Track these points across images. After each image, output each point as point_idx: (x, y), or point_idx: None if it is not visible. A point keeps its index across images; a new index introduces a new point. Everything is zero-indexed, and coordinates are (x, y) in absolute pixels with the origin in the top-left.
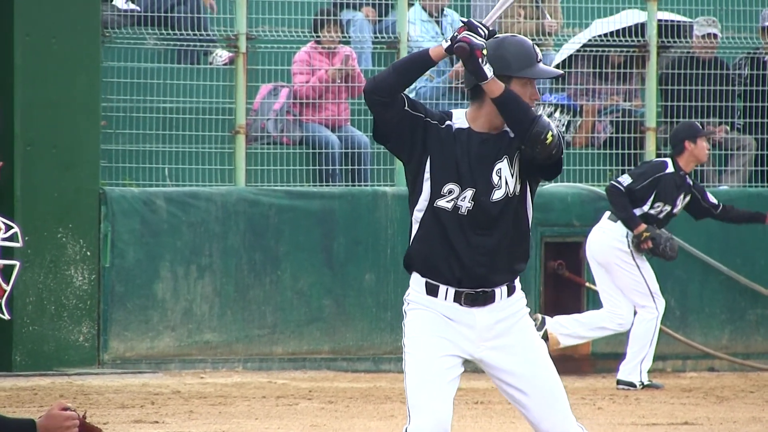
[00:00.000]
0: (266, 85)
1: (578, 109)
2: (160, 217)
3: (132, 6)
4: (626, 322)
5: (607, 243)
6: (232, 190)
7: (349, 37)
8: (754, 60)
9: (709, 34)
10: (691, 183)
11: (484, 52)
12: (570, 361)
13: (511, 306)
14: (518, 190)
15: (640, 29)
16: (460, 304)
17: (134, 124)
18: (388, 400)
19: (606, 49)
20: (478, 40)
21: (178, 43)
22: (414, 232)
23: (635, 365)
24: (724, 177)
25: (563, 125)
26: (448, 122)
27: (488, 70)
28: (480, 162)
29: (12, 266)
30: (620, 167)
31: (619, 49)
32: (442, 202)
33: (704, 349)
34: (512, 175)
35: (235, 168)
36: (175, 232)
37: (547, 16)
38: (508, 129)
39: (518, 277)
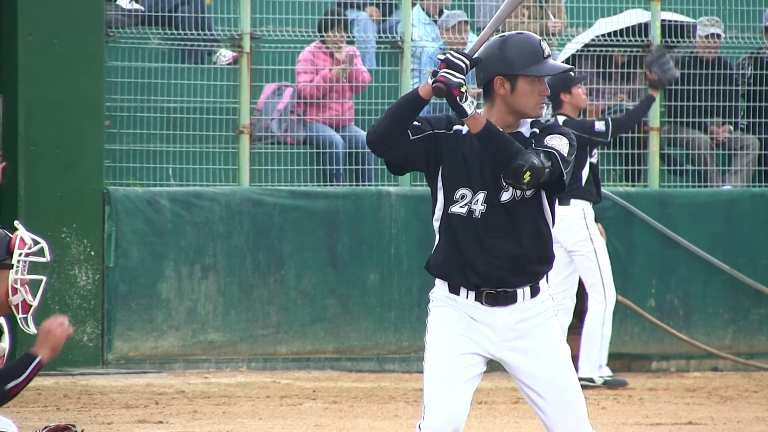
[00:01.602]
0: (270, 84)
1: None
2: (164, 217)
3: (136, 5)
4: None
5: (570, 228)
6: (236, 189)
7: (353, 36)
8: (757, 60)
9: (712, 34)
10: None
11: (463, 89)
12: (573, 362)
13: (534, 307)
14: (528, 193)
15: (643, 29)
16: (482, 304)
17: (138, 124)
18: (392, 400)
19: (610, 49)
20: (456, 78)
21: (182, 42)
22: (435, 242)
23: (590, 361)
24: (728, 177)
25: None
26: (456, 126)
27: (468, 106)
28: (489, 164)
29: (38, 281)
30: (624, 167)
31: (622, 49)
32: (455, 208)
33: (708, 349)
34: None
35: (238, 168)
36: (179, 231)
37: (551, 16)
38: (521, 129)
39: (544, 279)
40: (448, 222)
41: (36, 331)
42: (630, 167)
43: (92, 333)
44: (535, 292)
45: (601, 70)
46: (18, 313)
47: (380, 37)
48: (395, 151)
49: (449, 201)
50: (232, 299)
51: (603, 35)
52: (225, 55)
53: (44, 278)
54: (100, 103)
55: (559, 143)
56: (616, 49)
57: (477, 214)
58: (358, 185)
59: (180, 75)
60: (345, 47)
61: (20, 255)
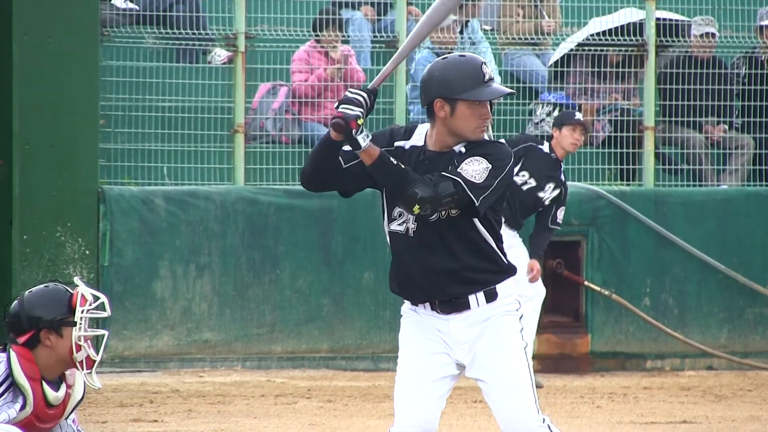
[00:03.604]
0: (265, 84)
1: (577, 108)
2: (158, 216)
3: (130, 5)
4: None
5: None
6: (230, 189)
7: (348, 36)
8: (751, 59)
9: (706, 34)
10: (564, 180)
11: (360, 122)
12: (568, 360)
13: (489, 311)
14: (453, 212)
15: (638, 28)
16: (438, 312)
17: (133, 123)
18: (386, 399)
19: (604, 48)
20: (353, 111)
21: (177, 41)
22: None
23: None
24: (723, 176)
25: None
26: (399, 142)
27: (362, 139)
28: None
29: (101, 335)
30: (619, 166)
31: (617, 48)
32: (394, 226)
33: (702, 348)
34: None
35: (233, 167)
36: (174, 231)
37: (545, 15)
38: (455, 147)
39: (504, 284)
40: (392, 239)
41: (100, 386)
42: (625, 166)
43: None
44: (491, 297)
45: (595, 69)
46: (83, 369)
47: (375, 37)
48: (328, 185)
49: (390, 218)
50: (226, 298)
51: (597, 34)
52: (220, 54)
53: (106, 333)
54: (95, 102)
55: (475, 168)
56: (610, 48)
57: (410, 232)
58: None
59: (175, 74)
60: (340, 47)
61: (82, 312)
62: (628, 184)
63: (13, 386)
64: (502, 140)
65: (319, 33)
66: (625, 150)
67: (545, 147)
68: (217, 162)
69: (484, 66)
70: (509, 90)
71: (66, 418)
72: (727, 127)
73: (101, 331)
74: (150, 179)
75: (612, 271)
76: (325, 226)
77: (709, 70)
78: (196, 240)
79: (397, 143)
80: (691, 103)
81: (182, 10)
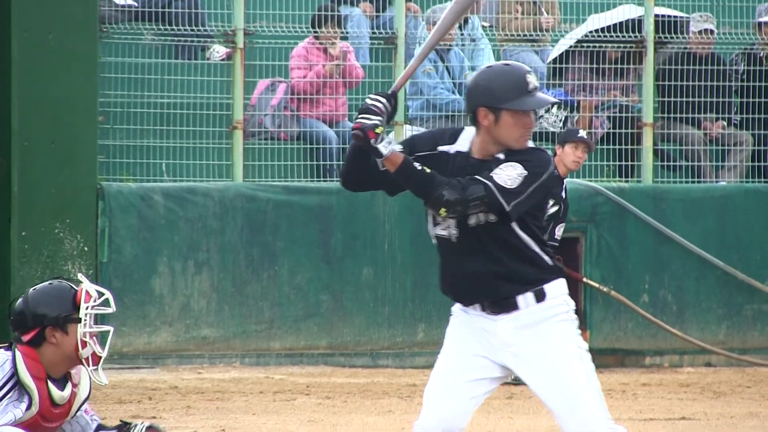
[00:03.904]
0: (263, 80)
1: (575, 105)
2: (157, 213)
3: (129, 1)
4: None
5: None
6: (229, 185)
7: (347, 32)
8: (750, 55)
9: (705, 30)
10: (565, 198)
11: (378, 130)
12: None
13: (540, 312)
14: (492, 218)
15: (636, 24)
16: (487, 313)
17: (131, 120)
18: (385, 396)
19: (603, 44)
20: (371, 120)
21: (176, 38)
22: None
23: None
24: (721, 173)
25: (560, 121)
26: (443, 147)
27: (384, 146)
28: None
29: (106, 332)
30: (617, 162)
31: (616, 45)
32: (439, 230)
33: (701, 345)
34: None
35: (232, 163)
36: (173, 227)
37: (544, 12)
38: (500, 155)
39: (552, 284)
40: (438, 242)
41: (106, 382)
42: (623, 163)
43: None
44: (540, 297)
45: (594, 65)
46: (88, 366)
47: (374, 33)
48: (368, 186)
49: (434, 222)
50: (225, 295)
51: (596, 31)
52: (218, 50)
53: (111, 329)
54: (94, 98)
55: (508, 174)
56: (609, 44)
57: (453, 238)
58: None
59: (173, 71)
60: (339, 43)
61: (87, 308)
62: (627, 181)
63: (18, 385)
64: (543, 148)
65: (317, 29)
66: (623, 146)
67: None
68: (215, 158)
69: (528, 75)
70: (554, 100)
71: (71, 418)
72: (725, 123)
73: (106, 327)
74: (149, 176)
75: (611, 268)
76: (324, 223)
77: (707, 66)
78: (194, 236)
79: (440, 147)
80: (690, 99)
81: (181, 6)
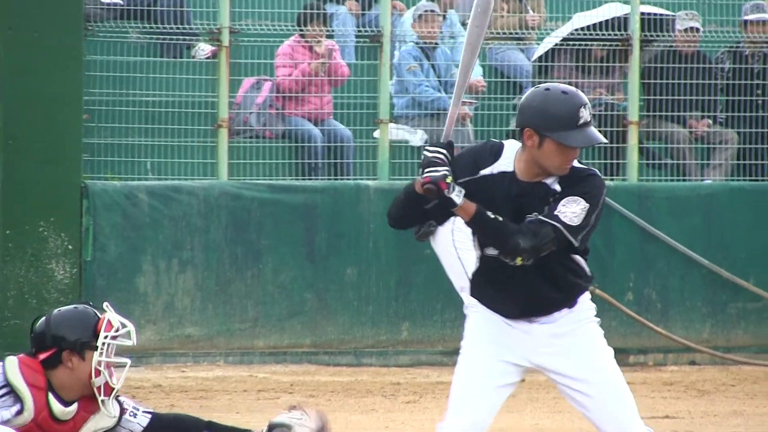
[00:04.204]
0: (249, 78)
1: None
2: (141, 211)
3: None
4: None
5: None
6: (214, 183)
7: (332, 30)
8: (735, 54)
9: (690, 28)
10: None
11: (448, 180)
12: None
13: (571, 316)
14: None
15: (622, 23)
16: (516, 320)
17: (117, 118)
18: (369, 394)
19: (588, 42)
20: (439, 172)
21: (161, 36)
22: (476, 263)
23: None
24: (707, 171)
25: None
26: (485, 170)
27: (456, 196)
28: (516, 214)
29: (122, 364)
30: (603, 161)
31: (601, 43)
32: (490, 250)
33: (685, 343)
34: None
35: (217, 162)
36: (157, 225)
37: (530, 10)
38: (546, 181)
39: (582, 295)
40: (485, 259)
41: (116, 414)
42: (609, 161)
43: None
44: (573, 305)
45: (579, 64)
46: (99, 395)
47: (359, 31)
48: (415, 224)
49: (483, 243)
50: (209, 293)
51: (582, 29)
52: (204, 49)
53: (128, 362)
54: (79, 96)
55: (573, 210)
56: (594, 42)
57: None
58: (336, 179)
59: (159, 69)
60: (324, 41)
61: (106, 337)
62: (612, 179)
63: (13, 393)
64: (594, 169)
65: (303, 28)
66: (609, 145)
67: None
68: (200, 157)
69: (582, 109)
70: (602, 139)
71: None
72: (711, 121)
73: (123, 360)
74: (133, 174)
75: (595, 266)
76: (308, 222)
77: (693, 65)
78: (179, 235)
79: (483, 171)
80: (676, 97)
81: (166, 4)
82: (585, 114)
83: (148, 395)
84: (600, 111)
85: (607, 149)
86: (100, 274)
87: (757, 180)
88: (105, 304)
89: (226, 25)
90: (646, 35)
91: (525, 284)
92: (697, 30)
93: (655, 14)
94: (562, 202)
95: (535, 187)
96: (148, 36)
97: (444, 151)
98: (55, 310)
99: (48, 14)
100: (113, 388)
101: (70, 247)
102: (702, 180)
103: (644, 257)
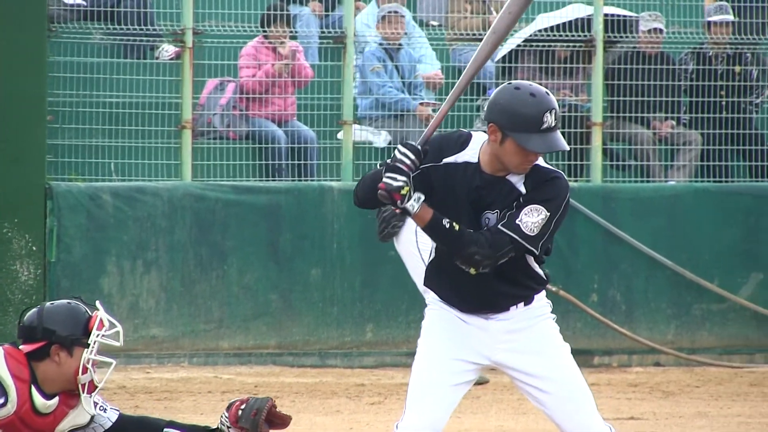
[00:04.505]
0: (212, 80)
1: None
2: (106, 212)
3: (78, 0)
4: None
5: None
6: (178, 184)
7: (296, 32)
8: (699, 55)
9: (654, 29)
10: None
11: (404, 191)
12: None
13: (527, 312)
14: None
15: (586, 24)
16: (473, 314)
17: (80, 119)
18: (334, 395)
19: (552, 43)
20: (396, 182)
21: (125, 37)
22: (431, 255)
23: None
24: (671, 172)
25: None
26: (449, 158)
27: (411, 206)
28: (474, 205)
29: (108, 363)
30: (567, 162)
31: (565, 44)
32: None
33: (650, 344)
34: None
35: (181, 163)
36: (122, 226)
37: (493, 11)
38: (511, 178)
39: (539, 292)
40: (439, 251)
41: (94, 412)
42: (572, 162)
43: None
44: (529, 301)
45: (543, 65)
46: (83, 392)
47: (323, 32)
48: (379, 206)
49: None
50: (174, 294)
51: (545, 30)
52: (167, 50)
53: (114, 362)
54: (43, 98)
55: (533, 221)
56: (558, 43)
57: None
58: (300, 180)
59: (122, 70)
60: (288, 42)
61: (97, 336)
62: (576, 180)
63: None
64: (559, 172)
65: (267, 29)
66: (572, 146)
67: None
68: (164, 158)
69: (547, 114)
70: (564, 146)
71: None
72: (674, 122)
73: (110, 360)
74: (97, 175)
75: (560, 267)
76: (272, 223)
77: (656, 66)
78: (143, 236)
79: (447, 159)
80: (639, 98)
81: (130, 5)
82: (549, 119)
83: (113, 396)
84: (564, 112)
85: (571, 150)
86: (65, 275)
87: (720, 181)
88: (97, 302)
89: (190, 26)
90: (609, 36)
91: (479, 278)
92: (661, 31)
93: (618, 15)
94: (524, 210)
95: (498, 182)
96: (111, 37)
97: (413, 157)
98: (47, 304)
99: (11, 15)
100: (96, 386)
101: (34, 248)
102: (666, 181)
103: (608, 258)
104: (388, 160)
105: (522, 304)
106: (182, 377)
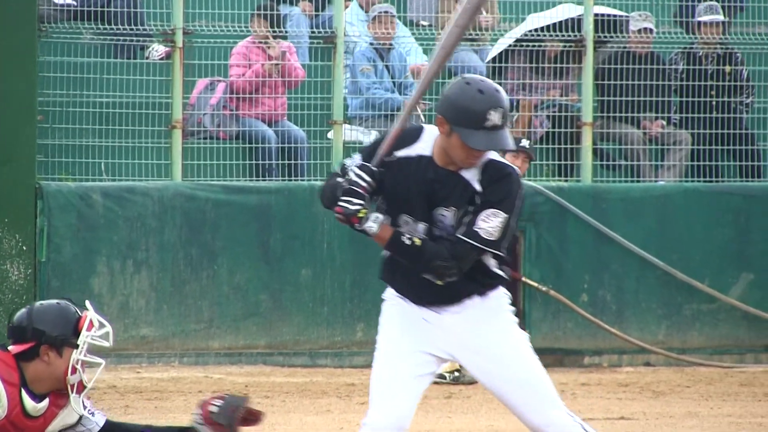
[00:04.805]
0: (203, 79)
1: (515, 104)
2: (96, 212)
3: (68, 0)
4: None
5: None
6: (168, 184)
7: (287, 32)
8: (689, 55)
9: (644, 29)
10: None
11: (360, 214)
12: None
13: (484, 305)
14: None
15: (576, 24)
16: (430, 307)
17: (71, 119)
18: (324, 395)
19: (542, 43)
20: (352, 206)
21: (115, 37)
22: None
23: None
24: (661, 172)
25: None
26: (402, 151)
27: (369, 227)
28: (428, 200)
29: (97, 364)
30: (557, 162)
31: (555, 44)
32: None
33: (640, 344)
34: (452, 226)
35: (171, 163)
36: (112, 226)
37: (483, 11)
38: (464, 174)
39: (493, 284)
40: None
41: (83, 412)
42: (563, 162)
43: None
44: (483, 294)
45: (533, 65)
46: (72, 392)
47: (313, 32)
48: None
49: (395, 224)
50: (164, 294)
51: (535, 30)
52: (157, 50)
53: (103, 362)
54: (33, 97)
55: (492, 225)
56: (548, 43)
57: (416, 243)
58: (290, 180)
59: (112, 70)
60: (276, 43)
61: (87, 336)
62: (566, 180)
63: None
64: (511, 166)
65: (257, 29)
66: (563, 146)
67: None
68: (154, 158)
69: (492, 112)
70: (509, 145)
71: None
72: (665, 122)
73: (99, 360)
74: (88, 175)
75: (550, 267)
76: (263, 223)
77: (646, 65)
78: (133, 236)
79: (400, 153)
80: (629, 98)
81: (120, 5)
82: (495, 117)
83: (103, 396)
84: (554, 112)
85: (561, 150)
86: (55, 275)
87: (710, 181)
88: (87, 302)
89: (180, 26)
90: (599, 36)
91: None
92: (651, 30)
93: (609, 15)
94: (481, 216)
95: (452, 177)
96: (101, 37)
97: (369, 178)
98: (37, 304)
99: (1, 15)
100: (86, 386)
101: (24, 248)
102: (656, 181)
103: (599, 259)
104: (343, 182)
105: (476, 296)
106: (173, 377)
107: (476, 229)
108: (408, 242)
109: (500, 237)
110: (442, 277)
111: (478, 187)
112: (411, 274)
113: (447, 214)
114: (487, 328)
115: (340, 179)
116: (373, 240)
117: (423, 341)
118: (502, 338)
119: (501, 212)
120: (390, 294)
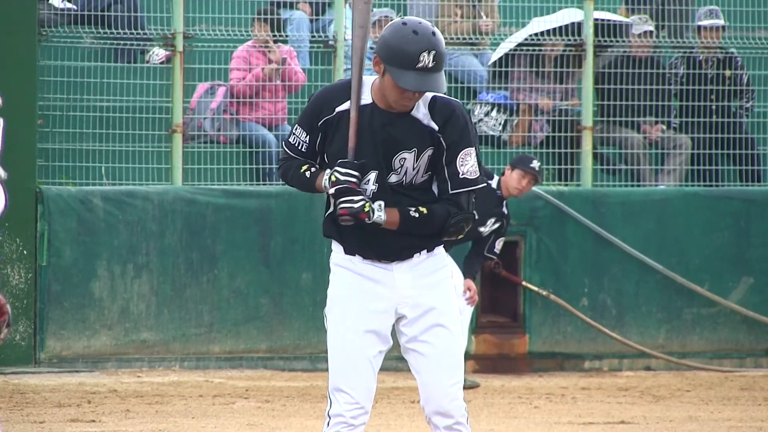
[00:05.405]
0: (203, 83)
1: (515, 108)
2: (96, 216)
3: (68, 4)
4: None
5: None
6: (168, 188)
7: (287, 36)
8: (689, 59)
9: (645, 32)
10: (506, 213)
11: (366, 208)
12: (506, 360)
13: (431, 263)
14: (418, 181)
15: (577, 28)
16: (380, 261)
17: (71, 123)
18: (325, 399)
19: (543, 48)
20: (356, 203)
21: (115, 41)
22: (330, 207)
23: None
24: (661, 176)
25: (500, 124)
26: (341, 107)
27: (379, 217)
28: (383, 144)
29: None
30: (557, 166)
31: (556, 48)
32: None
33: (640, 348)
34: (414, 169)
35: (171, 167)
36: (112, 230)
37: (483, 15)
38: (417, 114)
39: (440, 244)
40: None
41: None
42: (563, 166)
43: (25, 332)
44: (431, 251)
45: (534, 69)
46: None
47: (313, 37)
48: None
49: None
50: (164, 298)
51: (537, 34)
52: (158, 54)
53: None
54: (34, 102)
55: (470, 163)
56: (549, 48)
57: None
58: None
59: (113, 74)
60: (276, 47)
61: None
62: (567, 184)
63: None
64: (453, 99)
65: (257, 33)
66: (563, 150)
67: (494, 182)
68: (155, 162)
69: (425, 54)
70: (439, 89)
71: None
72: (665, 127)
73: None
74: (88, 179)
75: (550, 271)
76: (263, 227)
77: (647, 70)
78: (134, 240)
79: (339, 108)
80: (629, 103)
81: (120, 9)
82: (426, 59)
83: (104, 400)
84: (554, 116)
85: (561, 155)
86: (56, 279)
87: (710, 185)
88: None
89: (180, 30)
90: (600, 41)
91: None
92: (651, 33)
93: (611, 20)
94: (457, 163)
95: (404, 119)
96: (102, 41)
97: (356, 173)
98: None
99: (1, 19)
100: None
101: (25, 252)
102: (656, 185)
103: (599, 263)
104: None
105: (425, 251)
106: (173, 381)
107: (462, 177)
108: (416, 215)
109: (480, 168)
110: (461, 230)
111: (434, 125)
112: (359, 229)
113: (408, 157)
114: (434, 290)
115: (326, 185)
116: (386, 227)
117: (372, 317)
118: (445, 307)
119: (470, 148)
120: (336, 259)
